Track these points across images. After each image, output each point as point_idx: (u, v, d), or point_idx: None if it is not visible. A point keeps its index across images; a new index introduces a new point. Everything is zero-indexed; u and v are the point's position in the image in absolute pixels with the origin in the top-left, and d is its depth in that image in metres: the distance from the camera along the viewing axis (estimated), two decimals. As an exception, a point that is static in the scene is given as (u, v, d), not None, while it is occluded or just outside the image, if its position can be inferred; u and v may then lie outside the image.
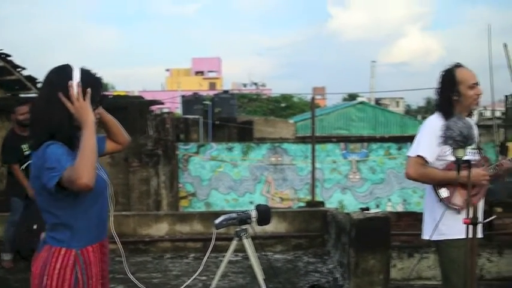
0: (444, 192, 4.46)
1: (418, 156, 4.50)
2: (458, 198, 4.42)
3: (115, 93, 32.38)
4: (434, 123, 4.46)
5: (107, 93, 25.74)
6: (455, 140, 3.91)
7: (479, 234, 4.40)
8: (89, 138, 3.09)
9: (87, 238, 3.30)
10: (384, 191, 18.03)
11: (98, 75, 3.34)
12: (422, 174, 4.51)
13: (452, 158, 4.09)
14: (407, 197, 17.76)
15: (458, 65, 4.67)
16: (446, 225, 4.40)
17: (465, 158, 4.05)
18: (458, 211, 4.40)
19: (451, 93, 4.55)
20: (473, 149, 4.55)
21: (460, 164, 3.99)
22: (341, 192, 17.87)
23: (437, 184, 4.49)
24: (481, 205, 4.57)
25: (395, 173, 17.97)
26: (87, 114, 3.16)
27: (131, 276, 4.30)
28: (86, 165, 2.99)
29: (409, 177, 4.59)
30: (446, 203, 4.43)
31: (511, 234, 9.62)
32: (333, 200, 17.32)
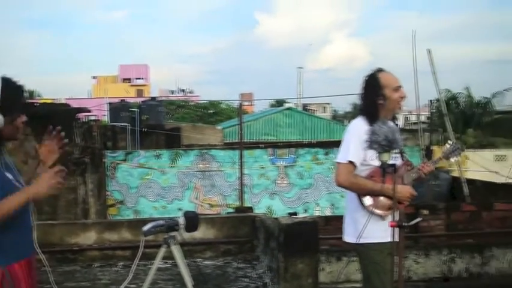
0: (368, 200, 4.45)
1: (349, 162, 4.46)
2: (382, 205, 4.44)
3: (41, 101, 31.83)
4: (360, 127, 4.45)
5: (32, 101, 25.27)
6: (381, 144, 3.92)
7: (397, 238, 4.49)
8: (16, 202, 3.12)
9: (14, 255, 3.24)
10: (312, 195, 18.21)
11: (19, 83, 3.28)
12: (352, 183, 4.46)
13: (377, 163, 4.11)
14: (335, 201, 17.98)
15: (380, 70, 4.69)
16: (368, 229, 4.40)
17: (390, 162, 4.10)
18: (382, 217, 4.43)
19: (376, 97, 4.54)
20: (396, 153, 4.53)
21: (385, 168, 4.01)
22: (269, 198, 17.98)
23: (361, 194, 4.48)
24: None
25: (323, 178, 18.17)
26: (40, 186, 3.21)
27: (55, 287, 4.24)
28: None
29: (339, 185, 4.55)
30: (370, 210, 4.44)
31: (437, 236, 9.81)
32: (262, 205, 17.40)
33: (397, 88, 4.60)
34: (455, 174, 17.27)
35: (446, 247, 8.48)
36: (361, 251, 4.56)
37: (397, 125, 4.67)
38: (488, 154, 28.74)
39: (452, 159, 5.07)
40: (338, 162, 4.56)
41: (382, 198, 4.44)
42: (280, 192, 18.06)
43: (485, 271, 8.39)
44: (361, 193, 4.48)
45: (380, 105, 4.55)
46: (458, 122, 37.29)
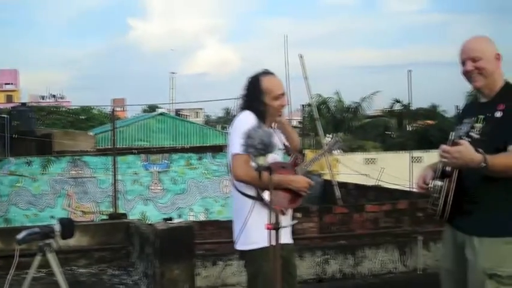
0: (267, 196, 4.20)
1: (238, 152, 4.18)
2: (282, 201, 4.35)
3: None
4: (248, 119, 4.30)
5: None
6: (256, 148, 3.85)
7: (290, 240, 4.53)
8: None
9: None
10: (186, 201, 18.27)
11: None
12: (252, 176, 4.11)
13: (253, 166, 3.96)
14: (209, 206, 18.13)
15: (266, 73, 4.58)
16: (253, 234, 4.27)
17: (275, 158, 4.20)
18: (283, 212, 4.31)
19: (255, 102, 4.45)
20: (283, 149, 4.60)
21: (261, 170, 3.90)
22: (143, 204, 17.91)
23: (261, 188, 4.25)
24: (290, 211, 4.56)
25: (196, 183, 18.28)
26: None
27: None
28: None
29: (238, 179, 4.33)
30: (270, 205, 4.01)
31: (310, 239, 10.04)
32: (135, 211, 17.32)
33: (279, 96, 4.49)
34: (327, 177, 17.72)
35: (320, 249, 8.65)
36: (249, 255, 4.43)
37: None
38: (358, 157, 29.72)
39: (335, 152, 5.15)
40: (233, 155, 4.31)
41: (280, 192, 4.33)
42: (154, 198, 18.02)
43: (358, 271, 8.63)
44: (260, 186, 4.22)
45: (267, 108, 4.46)
46: (329, 126, 38.32)
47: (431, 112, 48.71)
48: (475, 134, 3.67)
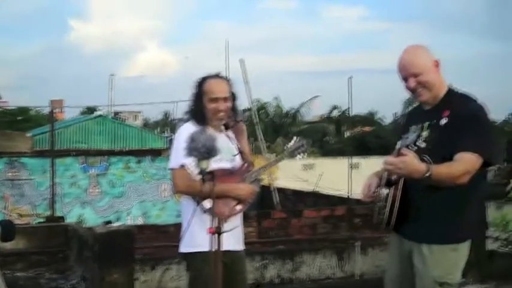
0: (207, 203, 4.27)
1: (182, 166, 4.30)
2: (223, 208, 4.35)
3: None
4: (188, 131, 4.21)
5: None
6: (200, 151, 3.84)
7: (238, 247, 4.54)
8: None
9: None
10: (124, 204, 18.20)
11: None
12: (189, 186, 4.26)
13: (197, 170, 3.91)
14: (148, 209, 18.08)
15: (213, 76, 4.61)
16: (201, 237, 4.20)
17: (221, 165, 4.24)
18: (225, 220, 4.23)
19: (195, 102, 4.53)
20: (235, 155, 4.58)
21: (204, 175, 3.88)
22: (81, 207, 17.80)
23: (202, 197, 4.29)
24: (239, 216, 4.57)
25: (135, 186, 18.23)
26: None
27: None
28: None
29: (177, 191, 4.47)
30: (211, 213, 4.09)
31: (249, 244, 10.06)
32: (73, 214, 17.16)
33: (215, 99, 4.47)
34: (265, 183, 17.78)
35: (259, 254, 8.66)
36: (188, 258, 4.49)
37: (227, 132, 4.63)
38: (296, 163, 29.81)
39: (298, 157, 4.92)
40: (171, 169, 4.43)
41: (222, 200, 4.34)
42: (92, 201, 17.90)
43: (296, 276, 8.68)
44: (200, 196, 4.28)
45: (205, 111, 4.50)
46: (268, 130, 38.51)
47: (369, 119, 49.42)
48: (421, 143, 3.71)
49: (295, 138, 4.97)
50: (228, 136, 4.66)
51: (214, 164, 4.01)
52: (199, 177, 3.90)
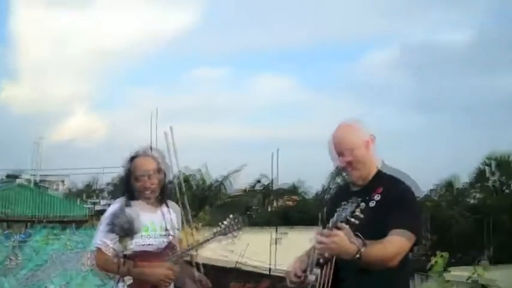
0: (128, 280, 4.35)
1: (102, 244, 4.44)
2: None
3: None
4: (114, 208, 4.44)
5: None
6: (123, 228, 3.99)
7: None
8: None
9: None
10: (46, 273, 17.89)
11: None
12: (104, 263, 4.44)
13: (119, 247, 4.12)
14: (71, 278, 17.82)
15: (139, 155, 4.73)
16: None
17: (148, 242, 4.40)
18: None
19: (124, 181, 4.69)
20: (164, 235, 4.65)
21: (120, 256, 4.07)
22: (1, 276, 17.39)
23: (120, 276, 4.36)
24: None
25: (58, 255, 17.96)
26: None
27: None
28: None
29: (98, 269, 4.57)
30: None
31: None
32: (-7, 284, 16.76)
33: (138, 178, 4.60)
34: (187, 258, 17.71)
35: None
36: None
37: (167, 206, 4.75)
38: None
39: (234, 234, 4.82)
40: (95, 246, 4.57)
41: (139, 282, 4.40)
42: (14, 270, 17.55)
43: None
44: (120, 275, 4.36)
45: (134, 188, 4.60)
46: (195, 201, 38.53)
47: (293, 192, 49.74)
48: (354, 220, 3.42)
49: (230, 216, 4.92)
50: (162, 212, 4.75)
51: (140, 240, 4.26)
52: (117, 257, 4.10)
